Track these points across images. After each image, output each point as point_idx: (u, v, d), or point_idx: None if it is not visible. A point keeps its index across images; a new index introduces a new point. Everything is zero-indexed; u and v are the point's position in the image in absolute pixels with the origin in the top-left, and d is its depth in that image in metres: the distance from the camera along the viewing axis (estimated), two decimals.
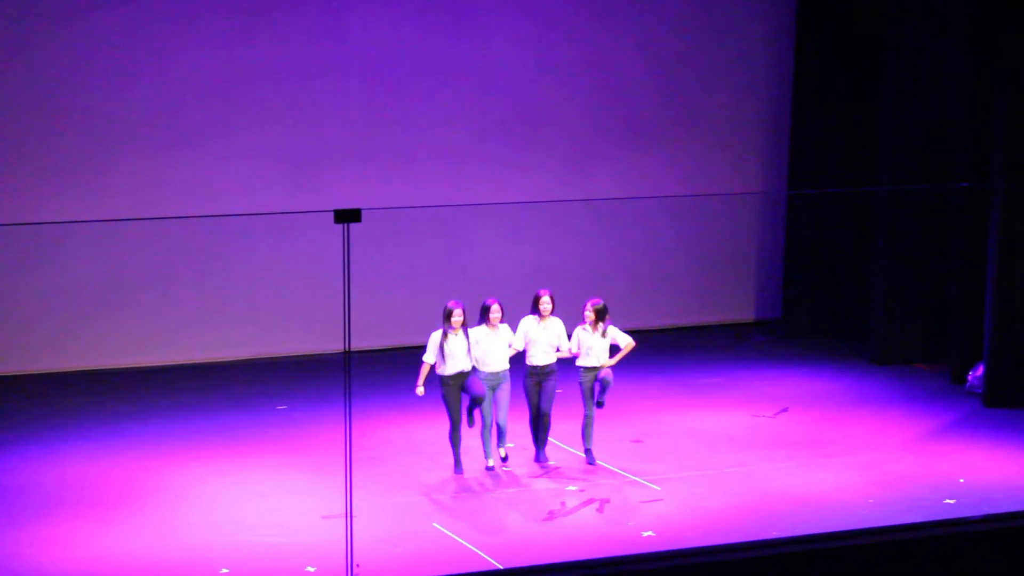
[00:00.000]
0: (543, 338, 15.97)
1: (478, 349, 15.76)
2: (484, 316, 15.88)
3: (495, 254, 21.74)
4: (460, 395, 15.73)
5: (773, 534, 13.65)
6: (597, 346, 15.97)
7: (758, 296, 23.29)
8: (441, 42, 21.18)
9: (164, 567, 13.40)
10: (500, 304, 15.86)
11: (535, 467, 16.10)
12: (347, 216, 11.00)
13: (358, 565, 12.88)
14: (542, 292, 16.12)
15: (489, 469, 15.88)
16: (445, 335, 15.64)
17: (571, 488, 15.46)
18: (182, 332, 20.54)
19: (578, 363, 16.06)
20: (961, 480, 15.74)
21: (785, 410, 18.43)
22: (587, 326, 16.01)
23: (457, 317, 15.64)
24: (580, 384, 16.03)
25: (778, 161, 22.78)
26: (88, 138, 19.89)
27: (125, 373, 20.04)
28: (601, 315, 15.97)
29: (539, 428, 16.11)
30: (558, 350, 16.06)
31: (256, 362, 20.69)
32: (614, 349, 16.12)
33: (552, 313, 16.04)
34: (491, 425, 15.94)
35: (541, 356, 15.98)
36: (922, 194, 20.26)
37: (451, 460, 15.86)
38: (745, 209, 23.14)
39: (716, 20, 22.42)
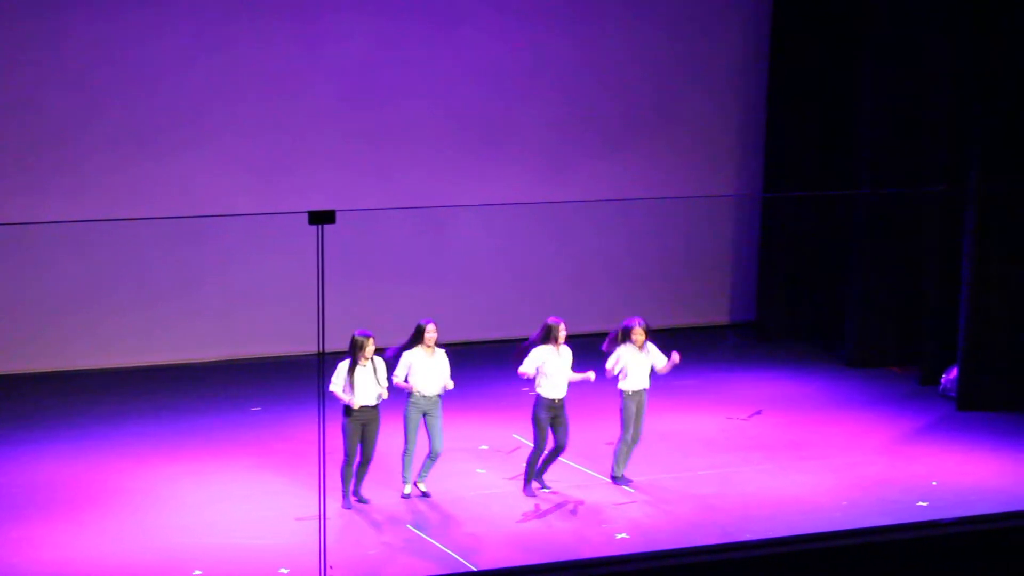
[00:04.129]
0: (560, 369, 15.24)
1: (414, 373, 14.96)
2: (419, 337, 15.04)
3: (471, 256, 21.72)
4: (361, 429, 14.81)
5: (747, 536, 13.67)
6: (643, 368, 15.59)
7: (732, 298, 23.31)
8: (419, 43, 21.13)
9: (138, 569, 13.36)
10: (436, 324, 15.06)
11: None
12: (321, 217, 10.99)
13: (331, 567, 12.86)
14: (558, 320, 15.28)
15: (405, 497, 15.14)
16: (353, 366, 14.73)
17: (545, 490, 15.44)
18: (155, 333, 20.47)
19: (621, 386, 15.55)
20: (934, 483, 15.78)
21: (759, 413, 18.45)
22: (633, 346, 15.52)
23: (371, 347, 14.78)
24: (621, 409, 15.56)
25: (753, 163, 22.81)
26: (63, 139, 19.79)
27: (97, 374, 19.96)
28: (648, 335, 15.60)
29: (550, 458, 15.42)
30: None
31: (230, 364, 20.64)
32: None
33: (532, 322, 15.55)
34: (410, 453, 15.25)
35: (559, 388, 15.23)
36: (897, 197, 20.30)
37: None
38: (720, 211, 23.16)
39: (693, 23, 22.42)
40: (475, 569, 13.35)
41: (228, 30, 20.33)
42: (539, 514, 14.80)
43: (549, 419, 15.18)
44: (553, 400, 15.16)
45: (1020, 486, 15.72)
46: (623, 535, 14.20)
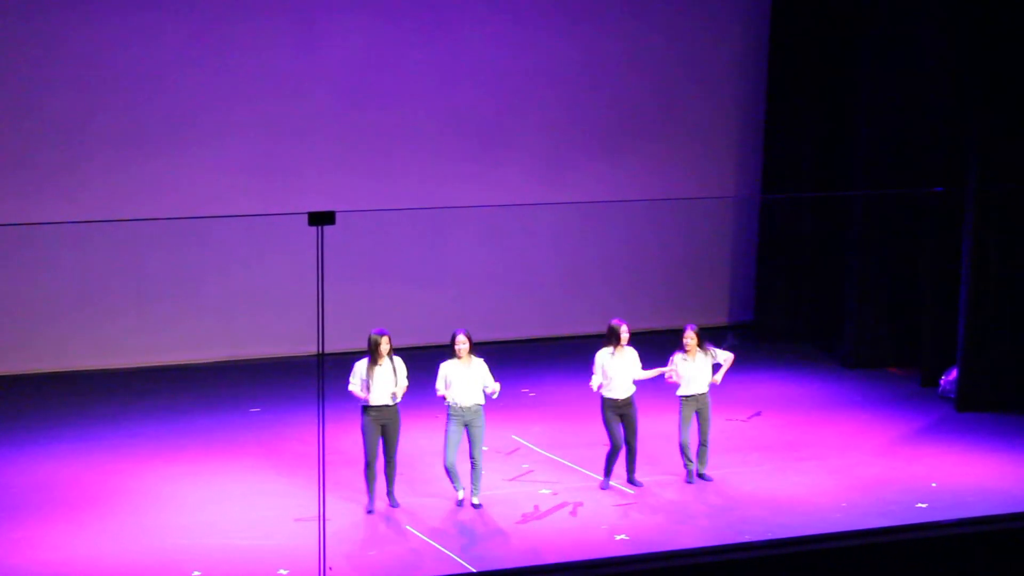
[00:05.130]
0: (622, 370, 15.43)
1: (450, 384, 14.93)
2: (452, 348, 14.96)
3: (470, 257, 21.72)
4: (380, 429, 14.88)
5: (746, 538, 13.69)
6: (699, 373, 15.71)
7: (731, 299, 23.30)
8: (418, 44, 21.13)
9: (137, 570, 13.37)
10: (467, 334, 15.01)
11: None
12: (321, 219, 10.99)
13: (331, 568, 12.86)
14: (619, 322, 15.46)
15: (460, 503, 15.07)
16: (371, 364, 14.77)
17: (544, 492, 15.45)
18: (155, 334, 20.47)
19: (679, 392, 15.71)
20: (933, 484, 15.78)
21: (758, 414, 18.45)
22: (687, 354, 15.67)
23: (385, 345, 14.88)
24: (680, 413, 15.71)
25: (752, 165, 22.80)
26: (63, 139, 19.80)
27: (97, 375, 19.96)
28: (701, 341, 15.72)
29: (628, 459, 15.60)
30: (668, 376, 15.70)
31: (229, 364, 20.63)
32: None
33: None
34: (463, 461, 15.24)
35: (621, 389, 15.44)
36: (895, 198, 20.30)
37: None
38: (719, 212, 23.15)
39: (692, 23, 22.42)
40: (474, 570, 13.36)
41: (228, 31, 20.33)
42: (539, 515, 14.80)
43: (615, 418, 15.42)
44: (616, 400, 15.40)
45: (1020, 487, 15.73)
46: (623, 536, 14.21)
